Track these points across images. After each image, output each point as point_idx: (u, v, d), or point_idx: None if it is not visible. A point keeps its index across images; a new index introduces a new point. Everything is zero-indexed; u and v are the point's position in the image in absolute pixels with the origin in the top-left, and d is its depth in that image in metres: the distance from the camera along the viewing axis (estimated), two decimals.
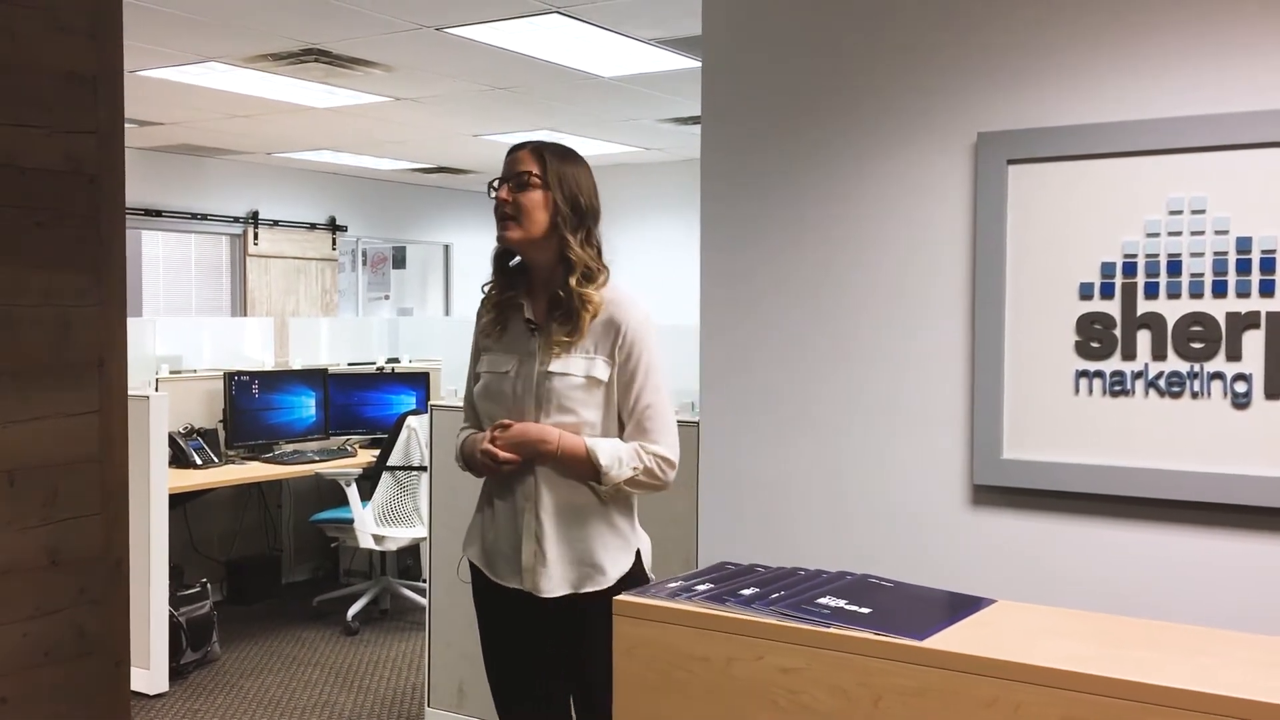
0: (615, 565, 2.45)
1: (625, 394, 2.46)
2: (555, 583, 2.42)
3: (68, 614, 2.70)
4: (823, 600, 1.72)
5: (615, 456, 2.40)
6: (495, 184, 2.51)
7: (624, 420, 2.47)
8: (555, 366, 2.42)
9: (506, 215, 2.45)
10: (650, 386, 2.47)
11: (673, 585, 1.83)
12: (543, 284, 2.51)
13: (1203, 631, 1.73)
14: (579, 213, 2.48)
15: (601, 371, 2.43)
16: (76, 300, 2.71)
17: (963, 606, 1.76)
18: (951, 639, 1.59)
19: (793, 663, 1.63)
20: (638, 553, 2.52)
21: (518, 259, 2.59)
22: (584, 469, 2.41)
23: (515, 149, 2.51)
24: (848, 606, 1.70)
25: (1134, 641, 1.63)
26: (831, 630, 1.62)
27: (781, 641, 1.64)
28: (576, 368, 2.43)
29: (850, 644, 1.60)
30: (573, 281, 2.44)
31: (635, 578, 2.45)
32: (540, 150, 2.49)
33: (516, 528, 2.45)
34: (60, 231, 2.68)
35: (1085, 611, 1.81)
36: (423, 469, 5.63)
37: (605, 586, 2.40)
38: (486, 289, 2.60)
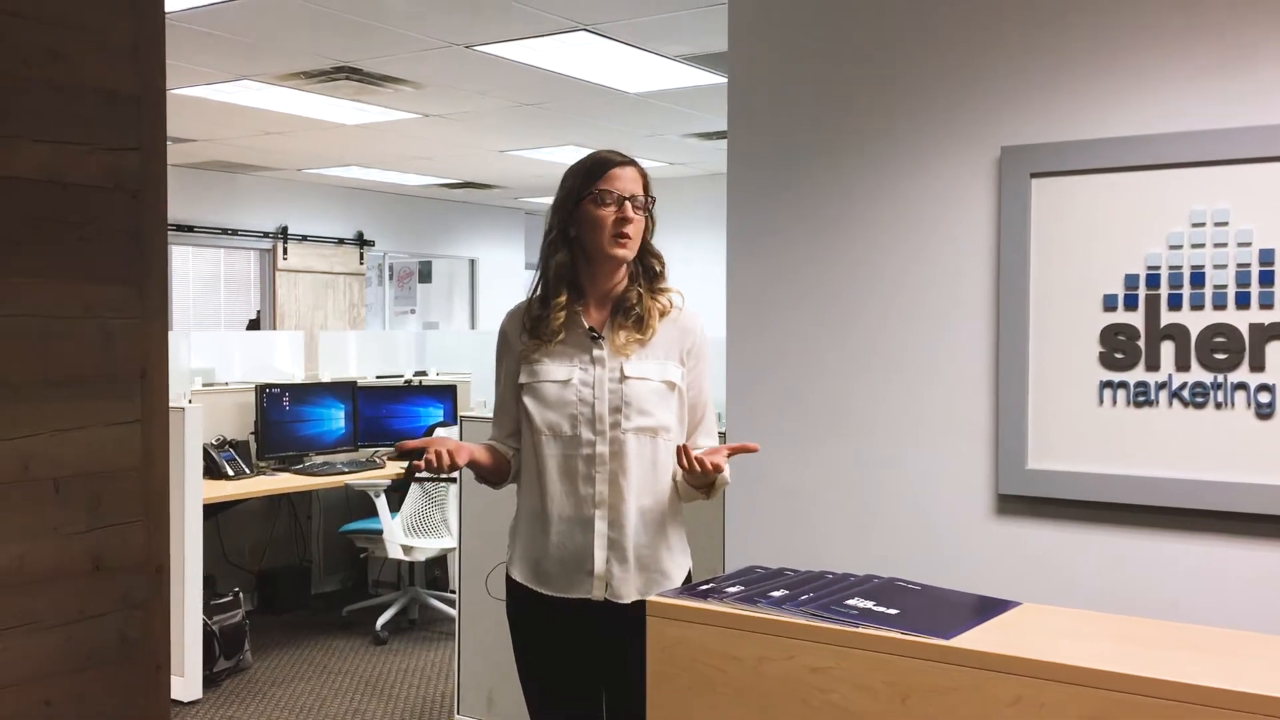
0: (679, 570, 2.51)
1: (695, 399, 2.54)
2: (630, 589, 2.44)
3: (110, 619, 2.75)
4: (851, 601, 1.76)
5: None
6: (598, 195, 2.46)
7: (689, 421, 2.54)
8: (631, 370, 2.45)
9: (629, 235, 2.46)
10: (709, 389, 2.57)
11: (704, 587, 1.88)
12: (603, 293, 2.52)
13: (1227, 633, 1.75)
14: (654, 223, 2.56)
15: (675, 375, 2.49)
16: (119, 313, 2.76)
17: (988, 608, 1.79)
18: (977, 639, 1.63)
19: (822, 662, 1.67)
20: (689, 555, 2.59)
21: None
22: (706, 481, 2.46)
23: (619, 163, 2.50)
24: (876, 608, 1.74)
25: (1158, 642, 1.66)
26: (860, 630, 1.66)
27: (811, 641, 1.68)
28: (652, 372, 2.46)
29: (878, 643, 1.64)
30: (653, 284, 2.52)
31: (690, 583, 2.49)
32: (639, 167, 2.53)
33: (581, 537, 2.45)
34: (103, 246, 2.73)
35: (1109, 614, 1.84)
36: (451, 480, 5.68)
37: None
38: (556, 303, 2.51)
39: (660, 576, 2.46)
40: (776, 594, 1.81)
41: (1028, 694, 1.53)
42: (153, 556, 2.85)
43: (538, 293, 2.56)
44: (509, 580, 2.57)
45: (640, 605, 2.38)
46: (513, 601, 2.57)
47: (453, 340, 8.68)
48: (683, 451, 2.35)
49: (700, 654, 1.78)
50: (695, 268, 6.49)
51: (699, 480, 2.41)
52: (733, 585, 1.89)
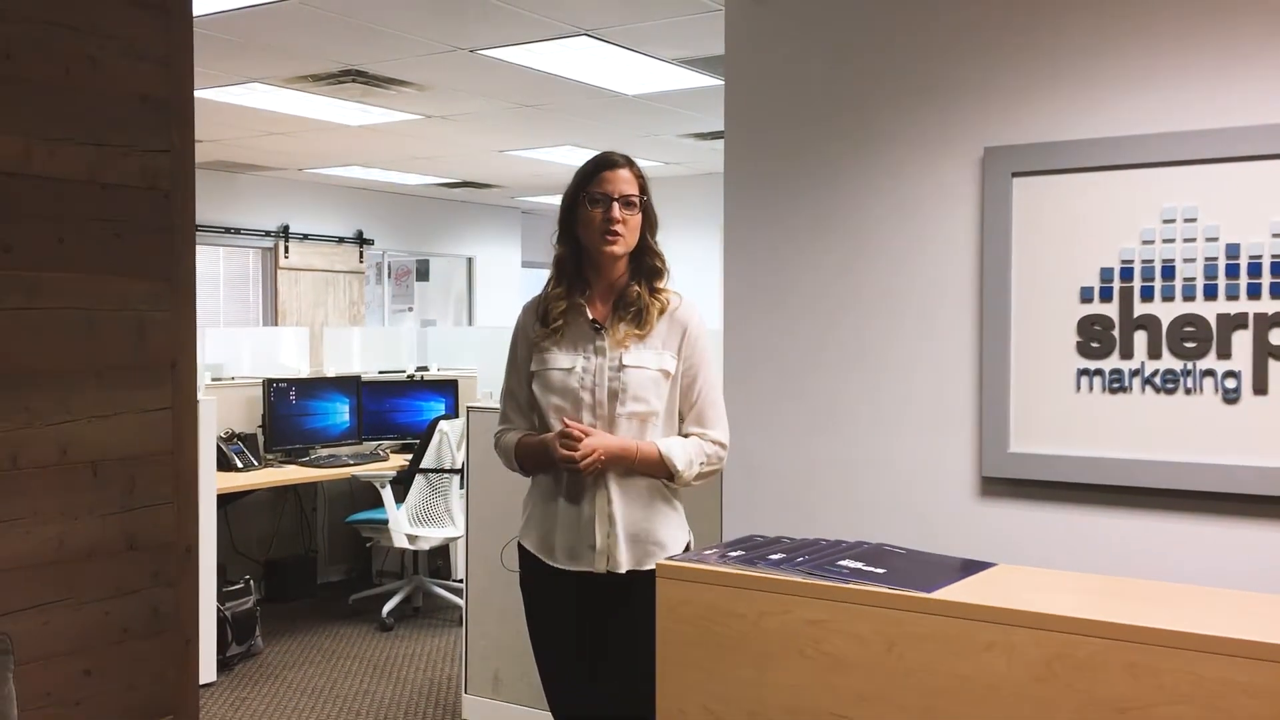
0: (675, 542, 2.68)
1: (689, 386, 2.70)
2: (625, 559, 2.62)
3: (144, 595, 2.91)
4: (843, 562, 1.94)
5: (688, 458, 2.64)
6: (591, 196, 2.64)
7: (683, 409, 2.71)
8: (629, 360, 2.63)
9: (617, 233, 2.63)
10: (708, 378, 2.72)
11: (709, 552, 2.05)
12: (606, 287, 2.71)
13: (1177, 586, 1.92)
14: (657, 223, 2.73)
15: (670, 364, 2.66)
16: (152, 306, 2.92)
17: (966, 568, 1.97)
18: (956, 592, 1.80)
19: (817, 615, 1.85)
20: (689, 532, 2.75)
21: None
22: (659, 471, 2.64)
23: (610, 164, 2.67)
24: (865, 567, 1.91)
25: (1114, 593, 1.83)
26: (850, 586, 1.83)
27: (807, 597, 1.86)
28: (649, 361, 2.64)
29: (867, 597, 1.81)
30: (653, 283, 2.69)
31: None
32: (634, 168, 2.69)
33: (584, 514, 2.63)
34: (137, 243, 2.89)
35: (1077, 572, 2.01)
36: (455, 471, 5.84)
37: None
38: (555, 294, 2.72)
39: (657, 548, 2.63)
40: (775, 557, 1.98)
41: (999, 639, 1.70)
42: (183, 536, 3.01)
43: (550, 285, 2.76)
44: (521, 549, 2.77)
45: (636, 574, 2.58)
46: (524, 569, 2.77)
47: (453, 336, 8.81)
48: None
49: (706, 611, 1.96)
50: (692, 264, 6.68)
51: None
52: (735, 550, 2.06)
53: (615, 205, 2.63)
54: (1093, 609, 1.70)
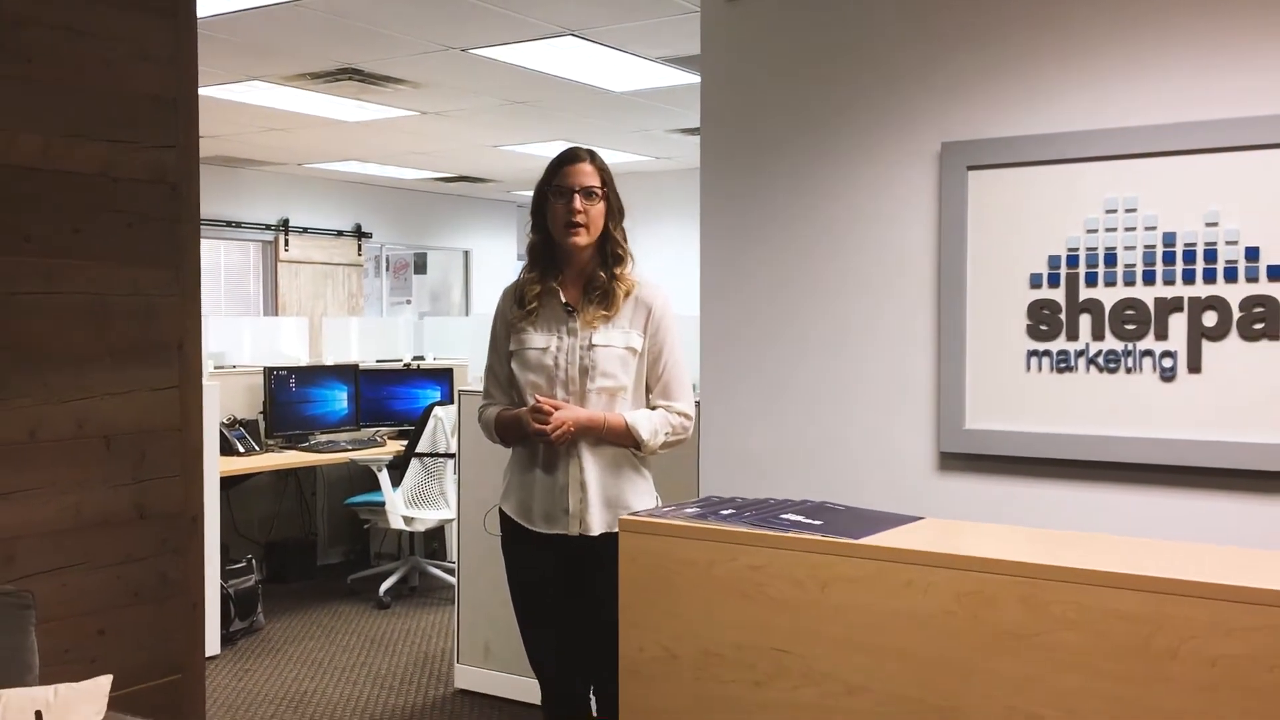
0: (642, 506, 2.87)
1: (655, 362, 2.90)
2: (599, 523, 2.83)
3: (153, 561, 3.11)
4: (785, 516, 2.15)
5: (652, 428, 2.84)
6: (555, 190, 2.84)
7: (650, 383, 2.91)
8: (598, 339, 2.84)
9: (578, 224, 2.82)
10: (673, 354, 2.92)
11: (668, 509, 2.26)
12: (578, 272, 2.90)
13: (1078, 534, 2.11)
14: (622, 212, 2.91)
15: (636, 343, 2.87)
16: (160, 291, 3.12)
17: (895, 520, 2.17)
18: (882, 539, 2.01)
19: (759, 561, 2.06)
20: (656, 497, 2.95)
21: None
22: (626, 440, 2.84)
23: (572, 159, 2.85)
24: (805, 520, 2.12)
25: (1023, 540, 2.04)
26: (789, 535, 2.04)
27: (751, 546, 2.07)
28: (617, 340, 2.85)
29: (804, 545, 2.02)
30: (614, 268, 2.87)
31: None
32: (595, 161, 2.87)
33: (558, 482, 2.84)
34: (147, 233, 3.09)
35: (991, 524, 2.21)
36: (449, 456, 6.02)
37: None
38: (529, 278, 2.92)
39: (625, 511, 2.82)
40: (726, 512, 2.20)
41: (917, 578, 1.91)
42: (189, 507, 3.21)
43: (525, 271, 2.98)
44: (501, 514, 2.98)
45: (607, 536, 2.79)
46: (505, 533, 2.99)
47: (449, 326, 8.97)
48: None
49: (663, 560, 2.17)
50: (680, 254, 6.85)
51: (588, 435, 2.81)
52: (692, 508, 2.27)
53: (576, 197, 2.82)
54: (993, 551, 1.91)
